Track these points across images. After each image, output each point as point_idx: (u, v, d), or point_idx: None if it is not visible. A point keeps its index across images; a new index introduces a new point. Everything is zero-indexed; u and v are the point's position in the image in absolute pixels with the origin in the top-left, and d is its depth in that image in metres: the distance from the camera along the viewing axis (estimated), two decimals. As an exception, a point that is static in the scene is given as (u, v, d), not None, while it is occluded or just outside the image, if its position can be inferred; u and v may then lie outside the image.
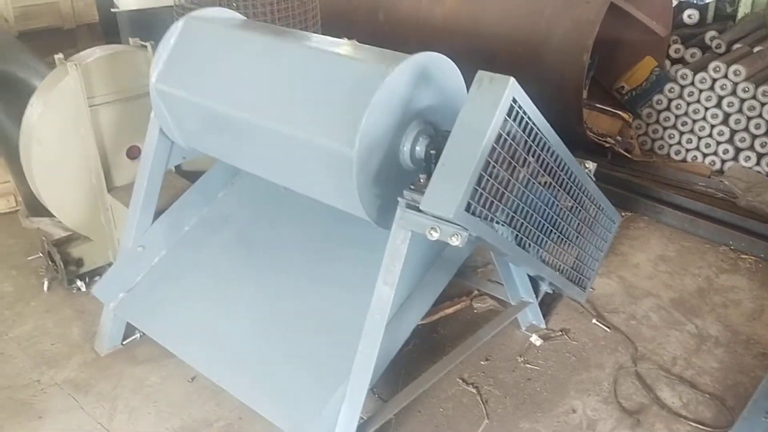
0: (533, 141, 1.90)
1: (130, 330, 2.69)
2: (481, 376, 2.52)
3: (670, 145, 4.33)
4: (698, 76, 4.05)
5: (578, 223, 2.34)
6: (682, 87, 4.15)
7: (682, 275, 3.13)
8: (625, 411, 2.36)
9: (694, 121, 4.16)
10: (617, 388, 2.46)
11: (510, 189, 1.89)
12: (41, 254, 3.12)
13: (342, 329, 2.21)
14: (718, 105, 4.01)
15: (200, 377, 2.47)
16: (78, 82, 2.70)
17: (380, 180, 1.94)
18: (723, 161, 4.09)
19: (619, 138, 4.35)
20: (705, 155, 4.17)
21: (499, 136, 1.73)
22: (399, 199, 1.89)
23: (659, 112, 4.32)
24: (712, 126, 4.08)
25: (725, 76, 3.92)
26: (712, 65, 3.95)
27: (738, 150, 4.02)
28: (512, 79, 1.71)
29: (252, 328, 2.37)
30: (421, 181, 1.89)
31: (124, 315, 2.63)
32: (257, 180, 2.44)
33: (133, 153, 3.04)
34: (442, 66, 2.00)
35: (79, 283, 3.05)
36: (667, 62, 4.39)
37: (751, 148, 3.96)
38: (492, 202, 1.80)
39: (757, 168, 3.95)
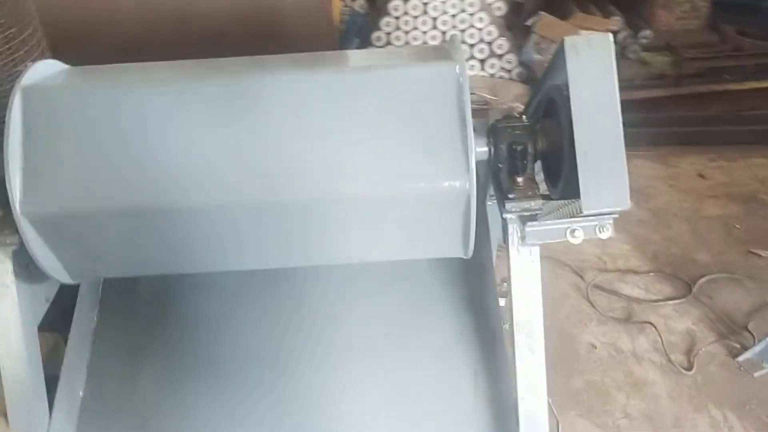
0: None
1: None
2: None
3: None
4: (409, 4, 4.17)
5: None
6: (397, 18, 4.24)
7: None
8: (621, 321, 2.48)
9: (418, 48, 4.34)
10: (598, 307, 2.55)
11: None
12: None
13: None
14: (434, 26, 4.23)
15: None
16: None
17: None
18: (451, 76, 4.38)
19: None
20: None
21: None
22: (507, 216, 1.53)
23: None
24: (433, 47, 4.31)
25: (435, -1, 4.14)
26: (420, -9, 4.11)
27: (460, 62, 4.34)
28: (609, 35, 1.48)
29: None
30: (520, 183, 1.55)
31: None
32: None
33: None
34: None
35: None
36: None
37: (472, 57, 4.32)
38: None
39: (483, 73, 4.35)
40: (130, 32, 3.30)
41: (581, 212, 1.44)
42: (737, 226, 2.94)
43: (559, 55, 1.55)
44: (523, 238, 1.52)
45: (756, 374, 2.22)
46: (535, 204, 1.53)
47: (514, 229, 1.53)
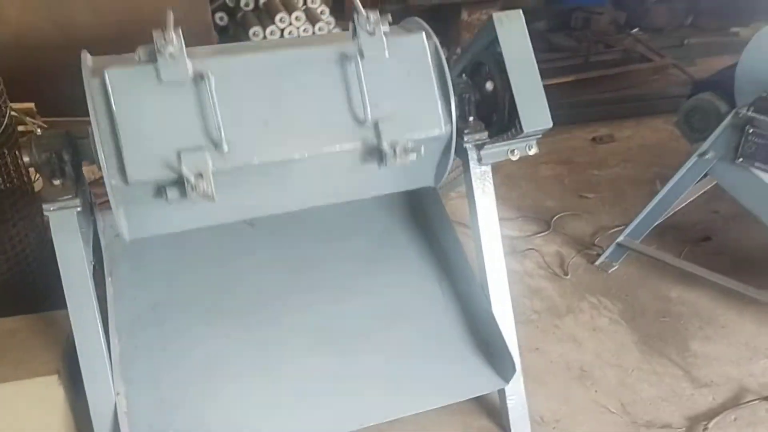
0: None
1: None
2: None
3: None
4: (268, 31, 4.60)
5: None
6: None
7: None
8: (508, 253, 3.12)
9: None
10: (489, 245, 3.20)
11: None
12: None
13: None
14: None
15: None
16: None
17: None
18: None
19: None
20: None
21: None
22: (466, 146, 2.09)
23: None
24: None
25: (290, 24, 4.62)
26: (278, 16, 4.57)
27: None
28: (520, 11, 2.12)
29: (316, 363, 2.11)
30: (471, 122, 2.12)
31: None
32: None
33: None
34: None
35: None
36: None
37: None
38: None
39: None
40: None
41: (521, 132, 2.05)
42: (566, 180, 3.82)
43: (486, 29, 2.16)
44: (479, 160, 2.11)
45: (609, 271, 3.01)
46: (483, 135, 2.13)
47: (472, 154, 2.10)
